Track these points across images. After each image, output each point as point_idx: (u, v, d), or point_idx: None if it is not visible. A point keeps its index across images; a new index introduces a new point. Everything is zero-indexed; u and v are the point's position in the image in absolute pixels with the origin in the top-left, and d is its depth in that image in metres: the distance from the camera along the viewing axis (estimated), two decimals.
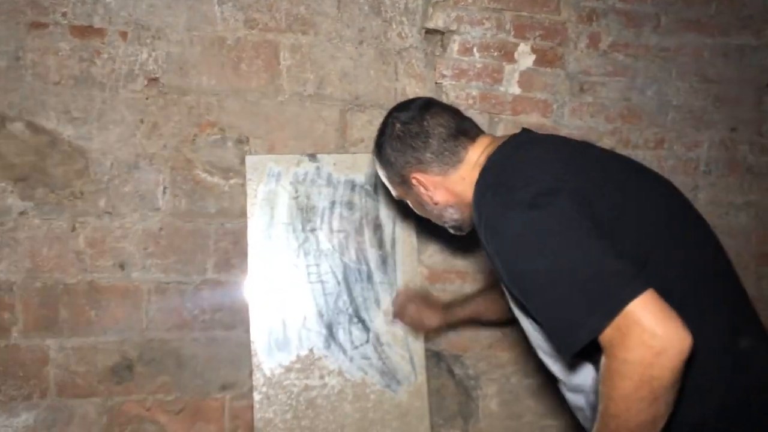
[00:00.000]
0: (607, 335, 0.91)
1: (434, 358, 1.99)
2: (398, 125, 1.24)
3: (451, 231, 1.32)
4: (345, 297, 1.83)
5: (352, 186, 1.88)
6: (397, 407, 1.82)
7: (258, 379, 1.75)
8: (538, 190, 1.02)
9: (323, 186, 1.86)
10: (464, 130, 1.23)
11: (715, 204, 2.12)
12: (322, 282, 1.83)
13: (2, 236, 1.77)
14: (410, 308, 1.80)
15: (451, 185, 1.23)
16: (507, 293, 1.22)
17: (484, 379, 2.02)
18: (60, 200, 1.78)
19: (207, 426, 1.92)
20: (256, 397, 1.73)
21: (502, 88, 1.89)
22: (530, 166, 1.10)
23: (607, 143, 1.94)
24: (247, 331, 1.87)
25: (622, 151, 1.95)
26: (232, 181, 1.87)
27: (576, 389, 1.20)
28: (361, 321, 1.83)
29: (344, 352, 1.81)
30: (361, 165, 1.86)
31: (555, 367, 1.23)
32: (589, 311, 0.93)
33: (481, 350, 2.04)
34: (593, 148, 1.24)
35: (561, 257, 0.97)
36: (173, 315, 1.86)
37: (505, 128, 1.93)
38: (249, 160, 1.82)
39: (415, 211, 1.36)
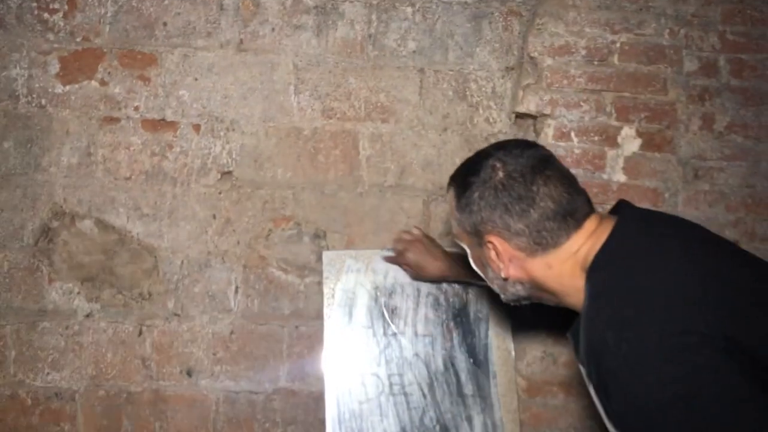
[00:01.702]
0: None
1: None
2: (501, 174, 1.11)
3: (504, 300, 1.25)
4: (432, 412, 1.73)
5: (438, 283, 1.76)
6: None
7: None
8: (673, 331, 0.93)
9: (406, 284, 1.76)
10: (573, 211, 1.10)
11: None
12: (405, 394, 1.74)
13: (67, 341, 1.80)
14: (415, 249, 1.76)
15: (531, 267, 1.13)
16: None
17: None
18: (127, 302, 1.78)
19: None
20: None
21: (605, 176, 1.82)
22: (651, 294, 0.99)
23: (728, 236, 1.80)
24: None
25: (747, 245, 1.81)
26: (307, 280, 1.83)
27: None
28: None
29: None
30: None
31: None
32: None
33: None
34: (716, 253, 1.11)
35: (721, 424, 0.87)
36: (243, 428, 1.84)
37: None
38: (326, 256, 1.80)
39: (471, 263, 1.28)
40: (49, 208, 1.89)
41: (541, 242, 1.09)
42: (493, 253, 1.14)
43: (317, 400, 1.92)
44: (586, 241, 1.09)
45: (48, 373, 1.85)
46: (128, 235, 1.90)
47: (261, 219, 1.95)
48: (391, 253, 1.86)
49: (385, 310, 1.89)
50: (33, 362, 1.85)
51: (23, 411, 1.84)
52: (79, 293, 1.88)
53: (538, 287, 1.16)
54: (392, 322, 1.89)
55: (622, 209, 1.20)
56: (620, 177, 1.93)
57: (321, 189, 1.98)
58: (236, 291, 1.93)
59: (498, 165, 1.11)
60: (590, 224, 1.10)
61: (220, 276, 1.93)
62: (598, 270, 1.05)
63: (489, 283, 1.26)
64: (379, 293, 1.90)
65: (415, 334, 1.89)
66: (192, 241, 1.93)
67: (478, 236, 1.16)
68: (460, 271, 1.74)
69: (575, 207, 1.10)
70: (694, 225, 1.21)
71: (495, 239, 1.12)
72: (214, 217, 1.94)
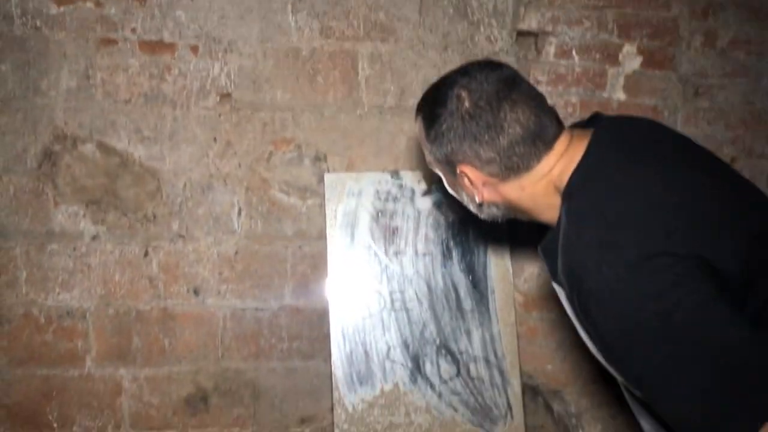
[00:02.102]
0: None
1: (530, 392, 1.95)
2: (467, 104, 1.08)
3: (480, 217, 1.26)
4: (432, 327, 1.80)
5: (438, 204, 1.82)
6: None
7: (339, 415, 1.74)
8: (650, 253, 0.96)
9: (407, 205, 1.82)
10: (543, 133, 1.09)
11: None
12: (407, 310, 1.81)
13: (75, 262, 1.84)
14: None
15: (504, 190, 1.14)
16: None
17: (586, 417, 1.97)
18: (132, 224, 1.82)
19: None
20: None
21: (605, 94, 1.83)
22: (630, 217, 1.01)
23: (726, 153, 1.84)
24: (327, 360, 1.85)
25: (745, 161, 1.83)
26: (309, 202, 1.86)
27: None
28: (450, 353, 1.78)
29: (432, 386, 1.77)
30: None
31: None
32: (734, 412, 0.89)
33: (583, 385, 1.98)
34: (696, 166, 1.12)
35: (694, 340, 0.92)
36: (250, 343, 1.88)
37: None
38: (327, 178, 1.82)
39: (446, 186, 1.28)
40: (50, 131, 1.91)
41: (513, 167, 1.09)
42: (466, 181, 1.15)
43: (321, 317, 2.00)
44: (558, 161, 1.10)
45: (59, 293, 1.92)
46: (130, 158, 1.93)
47: (261, 141, 1.98)
48: (390, 177, 1.91)
49: (385, 230, 1.95)
50: (43, 282, 1.92)
51: (37, 329, 1.92)
52: (84, 216, 1.92)
53: (512, 208, 1.17)
54: (394, 242, 1.95)
55: (596, 123, 1.19)
56: (620, 95, 1.95)
57: (320, 111, 1.99)
58: (239, 213, 1.98)
59: (463, 94, 1.09)
60: (561, 144, 1.11)
61: (222, 198, 1.97)
62: (574, 191, 1.07)
63: (465, 204, 1.27)
64: (380, 214, 1.95)
65: (416, 253, 1.95)
66: (194, 163, 1.96)
67: (450, 165, 1.16)
68: None
69: (544, 129, 1.09)
70: (666, 132, 1.21)
71: (467, 168, 1.12)
72: (215, 140, 1.96)
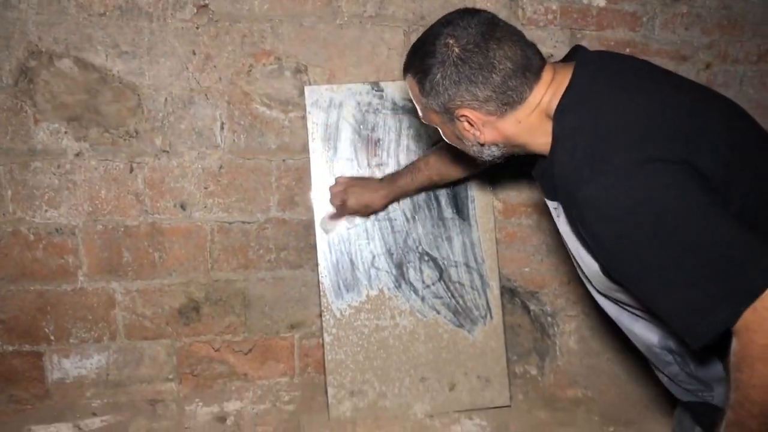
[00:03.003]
0: (742, 321, 0.97)
1: (509, 294, 2.06)
2: (457, 50, 1.16)
3: (479, 160, 1.36)
4: (415, 234, 1.89)
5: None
6: (471, 347, 1.92)
7: (328, 320, 1.84)
8: (641, 160, 1.06)
9: (388, 117, 1.88)
10: (530, 65, 1.18)
11: None
12: (390, 219, 1.90)
13: (60, 179, 1.89)
14: (350, 197, 1.89)
15: (503, 126, 1.22)
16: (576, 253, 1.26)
17: (561, 316, 2.10)
18: (115, 140, 1.86)
19: (277, 365, 2.05)
20: (327, 338, 1.84)
21: (585, 1, 1.83)
22: (619, 130, 1.11)
23: (702, 58, 1.90)
24: (314, 269, 1.95)
25: (720, 67, 1.90)
26: (291, 114, 1.91)
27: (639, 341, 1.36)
28: (432, 259, 1.88)
29: (415, 291, 1.88)
30: None
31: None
32: (722, 298, 0.99)
33: (559, 286, 2.11)
34: (671, 86, 1.23)
35: (685, 237, 1.01)
36: (238, 255, 1.95)
37: (588, 45, 1.87)
38: (308, 91, 1.86)
39: (444, 138, 1.36)
40: (23, 47, 1.90)
41: (509, 101, 1.17)
42: (466, 124, 1.22)
43: (307, 228, 2.09)
44: (547, 90, 1.19)
45: (46, 210, 1.97)
46: (109, 74, 1.94)
47: (241, 54, 1.98)
48: (371, 88, 1.94)
49: (367, 142, 2.01)
50: (30, 200, 1.97)
51: (27, 246, 1.98)
52: (66, 133, 1.95)
53: (511, 144, 1.26)
54: (376, 153, 2.01)
55: (577, 54, 1.28)
56: (600, 2, 1.98)
57: (299, 21, 1.99)
58: (222, 127, 2.01)
59: (451, 41, 1.16)
60: (547, 74, 1.20)
61: (204, 113, 2.00)
62: (564, 112, 1.16)
63: (466, 151, 1.36)
64: (362, 126, 2.00)
65: (398, 164, 2.01)
66: (173, 78, 1.97)
67: (448, 113, 1.23)
68: (406, 185, 1.88)
69: (531, 61, 1.18)
70: (642, 60, 1.32)
71: (466, 111, 1.20)
72: (194, 53, 1.97)
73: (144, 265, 2.05)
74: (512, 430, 1.95)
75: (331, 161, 1.98)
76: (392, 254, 2.00)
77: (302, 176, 2.05)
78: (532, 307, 2.21)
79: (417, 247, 2.01)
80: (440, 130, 1.33)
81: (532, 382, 2.21)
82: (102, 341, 2.07)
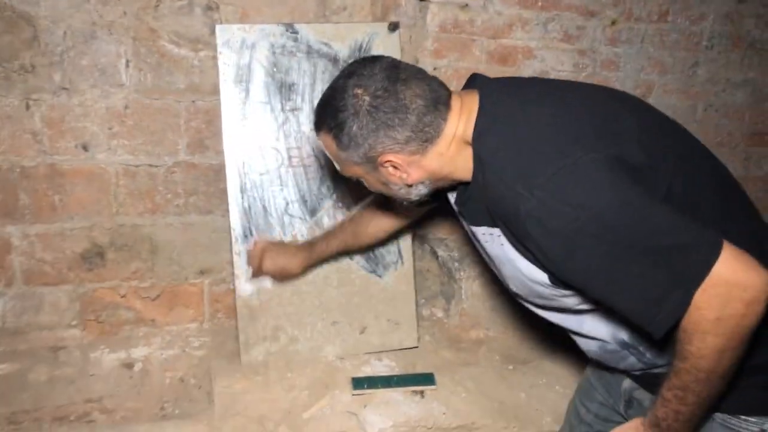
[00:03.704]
0: (694, 300, 1.01)
1: (419, 240, 2.13)
2: (367, 98, 1.17)
3: (407, 203, 1.38)
4: (329, 182, 1.92)
5: (334, 60, 1.93)
6: (382, 291, 2.01)
7: (240, 267, 1.84)
8: (569, 164, 1.08)
9: (303, 60, 1.89)
10: (438, 97, 1.21)
11: (712, 81, 2.27)
12: (304, 166, 1.92)
13: None
14: (267, 260, 1.94)
15: (427, 162, 1.23)
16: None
17: (467, 262, 2.21)
18: (8, 74, 1.81)
19: (186, 311, 2.07)
20: (239, 285, 1.83)
21: None
22: (541, 141, 1.13)
23: (609, 15, 1.99)
24: (224, 215, 1.97)
25: (624, 24, 2.01)
26: (202, 54, 1.88)
27: (587, 336, 1.38)
28: (347, 207, 1.92)
29: None
30: (344, 36, 1.95)
31: (556, 317, 1.39)
32: (674, 284, 1.02)
33: (466, 234, 2.16)
34: (573, 92, 1.27)
35: (628, 232, 1.04)
36: (145, 199, 1.94)
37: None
38: (219, 30, 1.85)
39: (368, 188, 1.36)
40: None
41: (428, 137, 1.19)
42: (391, 169, 1.23)
43: (218, 172, 2.06)
44: (459, 117, 1.20)
45: None
46: (0, 2, 1.82)
47: None
48: (285, 30, 1.92)
49: (281, 85, 1.99)
50: None
51: None
52: None
53: (436, 178, 1.26)
54: (290, 98, 2.00)
55: (477, 81, 1.31)
56: None
57: None
58: (127, 65, 1.93)
59: (359, 91, 1.17)
60: (455, 102, 1.22)
61: (108, 48, 1.91)
62: (482, 135, 1.17)
63: (393, 196, 1.36)
64: (275, 69, 1.98)
65: (312, 109, 2.01)
66: (73, 9, 1.86)
67: (371, 162, 1.23)
68: (322, 251, 1.92)
69: (438, 93, 1.20)
70: (534, 77, 1.36)
71: (390, 156, 1.20)
72: None
73: (43, 208, 1.96)
74: (419, 370, 2.07)
75: (243, 104, 1.95)
76: (306, 201, 2.02)
77: (213, 119, 2.02)
78: (440, 253, 2.30)
79: (331, 195, 2.03)
80: (364, 181, 1.33)
81: (438, 324, 2.33)
82: None
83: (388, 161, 1.22)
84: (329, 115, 1.22)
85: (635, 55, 2.23)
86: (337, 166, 1.32)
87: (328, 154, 1.32)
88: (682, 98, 2.36)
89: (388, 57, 1.24)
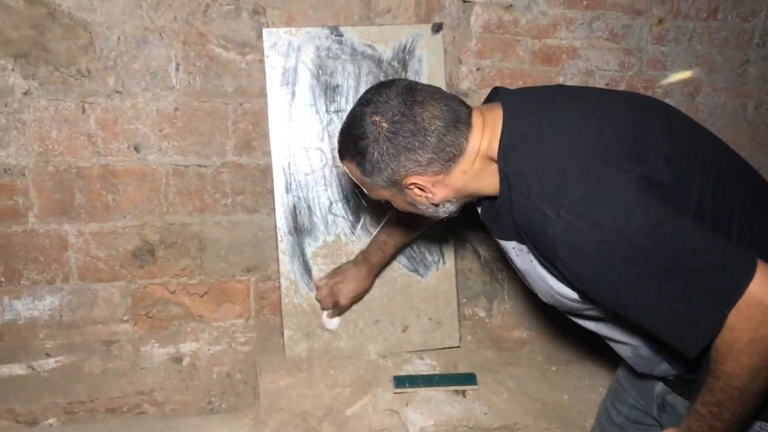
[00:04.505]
0: (726, 321, 1.01)
1: (460, 239, 2.16)
2: (385, 125, 1.20)
3: (435, 219, 1.39)
4: None
5: (378, 62, 1.98)
6: (424, 290, 2.05)
7: (285, 264, 1.90)
8: (596, 186, 1.08)
9: (347, 62, 1.93)
10: (458, 116, 1.22)
11: (764, 80, 2.25)
12: None
13: (8, 118, 1.90)
14: (340, 296, 2.00)
15: (452, 181, 1.25)
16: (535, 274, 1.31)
17: None
18: (66, 79, 1.87)
19: (233, 307, 2.14)
20: (284, 283, 1.92)
21: None
22: (567, 159, 1.13)
23: (655, 13, 1.99)
24: (270, 214, 2.03)
25: (671, 23, 2.01)
26: (249, 57, 1.94)
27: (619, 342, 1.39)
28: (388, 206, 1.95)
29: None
30: (388, 38, 1.98)
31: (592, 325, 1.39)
32: (707, 305, 1.02)
33: None
34: (597, 105, 1.26)
35: (659, 253, 1.03)
36: (194, 198, 2.01)
37: None
38: (266, 33, 1.90)
39: (398, 209, 1.39)
40: None
41: (450, 156, 1.20)
42: (417, 190, 1.25)
43: (264, 173, 2.14)
44: (482, 134, 1.21)
45: None
46: (58, 9, 1.90)
47: None
48: (330, 33, 1.98)
49: (326, 88, 2.05)
50: None
51: None
52: (13, 70, 1.92)
53: (462, 195, 1.28)
54: (335, 100, 2.06)
55: (499, 94, 1.32)
56: None
57: None
58: (177, 68, 2.02)
59: (377, 119, 1.19)
60: (477, 119, 1.23)
61: (159, 53, 1.99)
62: (508, 152, 1.18)
63: (422, 214, 1.34)
64: (320, 71, 2.04)
65: None
66: (127, 15, 1.95)
67: (396, 185, 1.25)
68: (381, 261, 1.99)
69: (458, 112, 1.21)
70: (558, 85, 1.33)
71: (414, 178, 1.22)
72: None
73: (97, 207, 2.07)
74: (460, 369, 2.10)
75: (290, 106, 2.02)
76: (349, 201, 2.07)
77: (259, 121, 2.09)
78: (482, 252, 2.33)
79: None
80: (392, 202, 1.35)
81: (480, 324, 2.36)
82: (55, 283, 2.10)
83: (413, 183, 1.24)
84: (350, 143, 1.25)
85: (682, 54, 2.21)
86: (366, 191, 1.35)
87: (354, 180, 1.36)
88: (731, 97, 2.32)
89: (404, 80, 1.26)
